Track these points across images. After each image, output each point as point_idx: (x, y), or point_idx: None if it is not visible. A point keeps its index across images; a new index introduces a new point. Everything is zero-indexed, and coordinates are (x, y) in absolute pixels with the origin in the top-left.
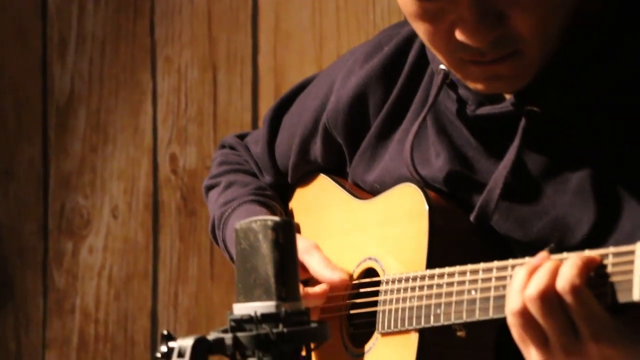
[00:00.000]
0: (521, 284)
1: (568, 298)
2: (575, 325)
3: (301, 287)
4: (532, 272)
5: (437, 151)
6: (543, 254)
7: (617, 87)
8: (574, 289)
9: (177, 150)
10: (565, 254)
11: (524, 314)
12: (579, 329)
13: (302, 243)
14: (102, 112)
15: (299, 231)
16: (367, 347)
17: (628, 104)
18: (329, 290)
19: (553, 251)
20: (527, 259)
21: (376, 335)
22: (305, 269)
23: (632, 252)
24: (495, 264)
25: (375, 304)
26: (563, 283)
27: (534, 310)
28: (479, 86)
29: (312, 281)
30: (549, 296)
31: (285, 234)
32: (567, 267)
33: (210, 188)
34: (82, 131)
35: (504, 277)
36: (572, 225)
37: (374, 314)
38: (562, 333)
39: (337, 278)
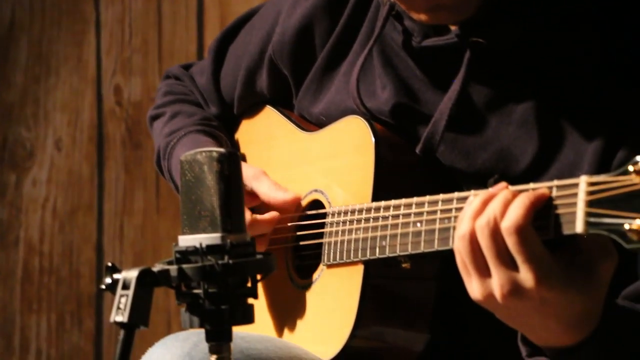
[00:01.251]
0: (474, 210)
1: (512, 239)
2: (517, 265)
3: (250, 214)
4: (488, 200)
5: (383, 83)
6: (502, 184)
7: (561, 20)
8: (518, 230)
9: (122, 81)
10: (522, 186)
11: (472, 241)
12: (521, 269)
13: (250, 170)
14: (44, 42)
15: (245, 163)
16: (312, 278)
17: (571, 36)
18: (278, 217)
19: (497, 182)
20: (472, 192)
21: (322, 267)
22: (254, 195)
23: (575, 185)
24: (441, 196)
25: (321, 235)
26: (508, 224)
27: (481, 238)
28: (422, 17)
29: (261, 209)
30: (496, 229)
31: (231, 165)
32: (515, 208)
33: (154, 118)
34: (24, 62)
35: (450, 210)
36: (516, 156)
37: (319, 246)
38: (503, 269)
39: (290, 197)
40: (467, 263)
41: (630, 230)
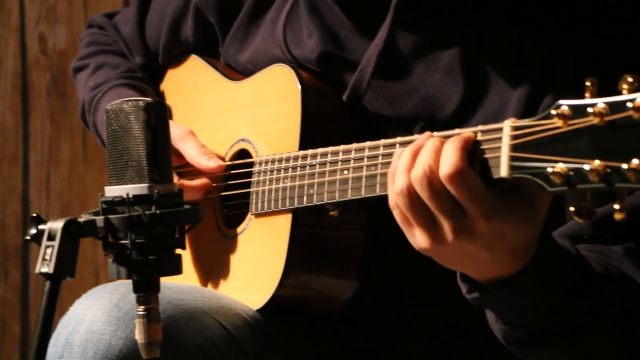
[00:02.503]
0: (407, 163)
1: (453, 184)
2: (462, 206)
3: (178, 178)
4: (417, 151)
5: (310, 31)
6: (427, 133)
7: None
8: (458, 173)
9: (46, 29)
10: (447, 132)
11: (410, 194)
12: (467, 210)
13: (176, 130)
14: None
15: (171, 114)
16: (240, 228)
17: None
18: (208, 184)
19: (423, 129)
20: (398, 139)
21: (249, 217)
22: (180, 155)
23: (500, 130)
24: (368, 144)
25: (248, 185)
26: (445, 171)
27: (421, 190)
28: None
29: (187, 168)
30: (434, 178)
31: (158, 115)
32: (447, 154)
33: (78, 70)
34: None
35: (376, 156)
36: (442, 103)
37: (247, 196)
38: (449, 214)
39: (213, 165)
40: (410, 216)
41: (553, 173)
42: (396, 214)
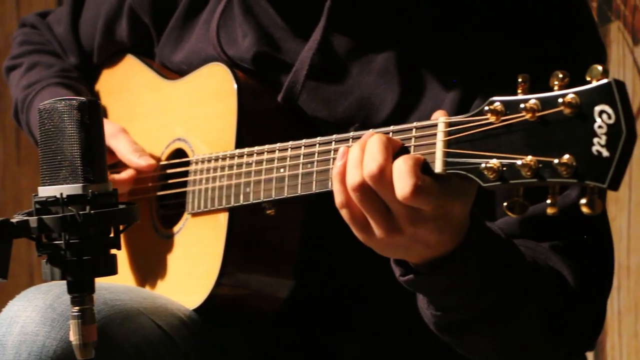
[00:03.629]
0: (356, 159)
1: (380, 186)
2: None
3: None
4: (364, 147)
5: (244, 31)
6: (371, 130)
7: None
8: (382, 177)
9: None
10: (382, 129)
11: (364, 188)
12: (393, 211)
13: (109, 127)
14: None
15: (106, 114)
16: (176, 228)
17: None
18: (135, 175)
19: (357, 130)
20: (334, 136)
21: (186, 216)
22: (112, 153)
23: (434, 126)
24: (304, 141)
25: (185, 184)
26: (370, 171)
27: (375, 183)
28: None
29: (119, 166)
30: (386, 171)
31: (91, 114)
32: (372, 153)
33: (11, 69)
34: None
35: (313, 154)
36: (377, 105)
37: (184, 195)
38: (380, 214)
39: (143, 163)
40: (366, 210)
41: (487, 168)
42: (346, 212)
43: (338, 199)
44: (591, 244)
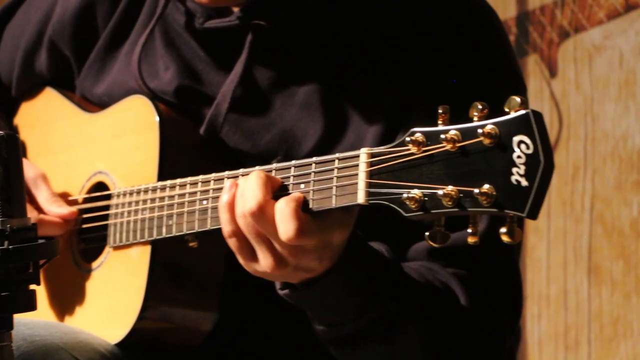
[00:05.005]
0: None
1: (261, 223)
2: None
3: (37, 213)
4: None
5: (166, 64)
6: (257, 168)
7: (341, 4)
8: (262, 214)
9: None
10: (265, 167)
11: (236, 232)
12: (277, 246)
13: (30, 171)
14: None
15: (25, 148)
16: (98, 261)
17: (351, 20)
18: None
19: (280, 163)
20: (256, 168)
21: (108, 249)
22: (32, 200)
23: (357, 157)
24: (226, 173)
25: (106, 217)
26: (250, 208)
27: (257, 221)
28: None
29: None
30: (268, 208)
31: (10, 148)
32: (251, 191)
33: None
34: None
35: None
36: (299, 137)
37: (105, 228)
38: (266, 246)
39: (64, 212)
40: (254, 242)
41: (408, 198)
42: (233, 242)
43: (226, 228)
44: (495, 277)
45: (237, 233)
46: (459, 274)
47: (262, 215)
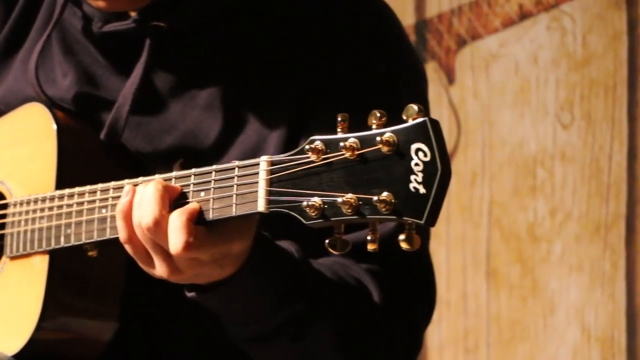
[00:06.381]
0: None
1: (156, 236)
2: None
3: None
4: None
5: (64, 71)
6: (157, 176)
7: (239, 7)
8: (157, 228)
9: None
10: (166, 175)
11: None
12: (173, 256)
13: None
14: None
15: None
16: None
17: (250, 24)
18: None
19: (183, 165)
20: (156, 176)
21: (4, 260)
22: None
23: (257, 165)
24: (126, 181)
25: (2, 227)
26: (146, 223)
27: (152, 232)
28: (100, 3)
29: None
30: (162, 219)
31: None
32: (148, 204)
33: None
34: None
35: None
36: (201, 139)
37: (2, 238)
38: (161, 255)
39: None
40: (150, 250)
41: (308, 206)
42: (130, 247)
43: (122, 235)
44: (409, 273)
45: (134, 240)
46: (372, 269)
47: (158, 229)
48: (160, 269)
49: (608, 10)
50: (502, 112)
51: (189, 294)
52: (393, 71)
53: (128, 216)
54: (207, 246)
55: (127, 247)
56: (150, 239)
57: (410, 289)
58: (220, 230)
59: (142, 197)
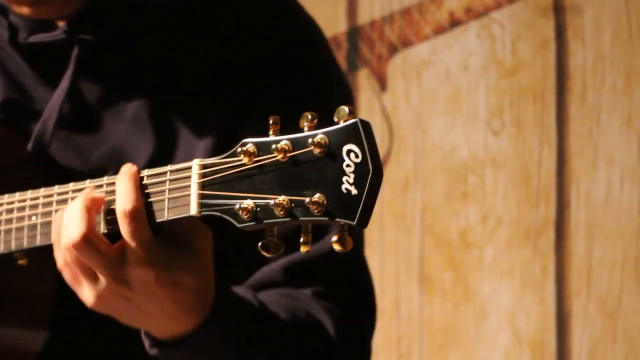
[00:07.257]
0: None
1: (81, 249)
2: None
3: None
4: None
5: None
6: (87, 182)
7: (165, 19)
8: (84, 240)
9: None
10: (96, 181)
11: (70, 255)
12: (128, 265)
13: None
14: None
15: None
16: None
17: (177, 35)
18: None
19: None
20: (87, 182)
21: None
22: None
23: (189, 169)
24: (56, 188)
25: None
26: (71, 238)
27: (78, 250)
28: (24, 10)
29: None
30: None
31: None
32: (77, 217)
33: None
34: None
35: (66, 201)
36: (130, 153)
37: None
38: (108, 270)
39: None
40: (78, 271)
41: (241, 209)
42: (68, 271)
43: (58, 261)
44: (351, 286)
45: (69, 264)
46: (317, 292)
47: (85, 244)
48: (95, 291)
49: (536, 18)
50: (433, 118)
51: (152, 351)
52: (321, 78)
53: (58, 240)
54: (154, 249)
55: (64, 274)
56: (77, 260)
57: (356, 304)
58: (161, 245)
59: (65, 216)
